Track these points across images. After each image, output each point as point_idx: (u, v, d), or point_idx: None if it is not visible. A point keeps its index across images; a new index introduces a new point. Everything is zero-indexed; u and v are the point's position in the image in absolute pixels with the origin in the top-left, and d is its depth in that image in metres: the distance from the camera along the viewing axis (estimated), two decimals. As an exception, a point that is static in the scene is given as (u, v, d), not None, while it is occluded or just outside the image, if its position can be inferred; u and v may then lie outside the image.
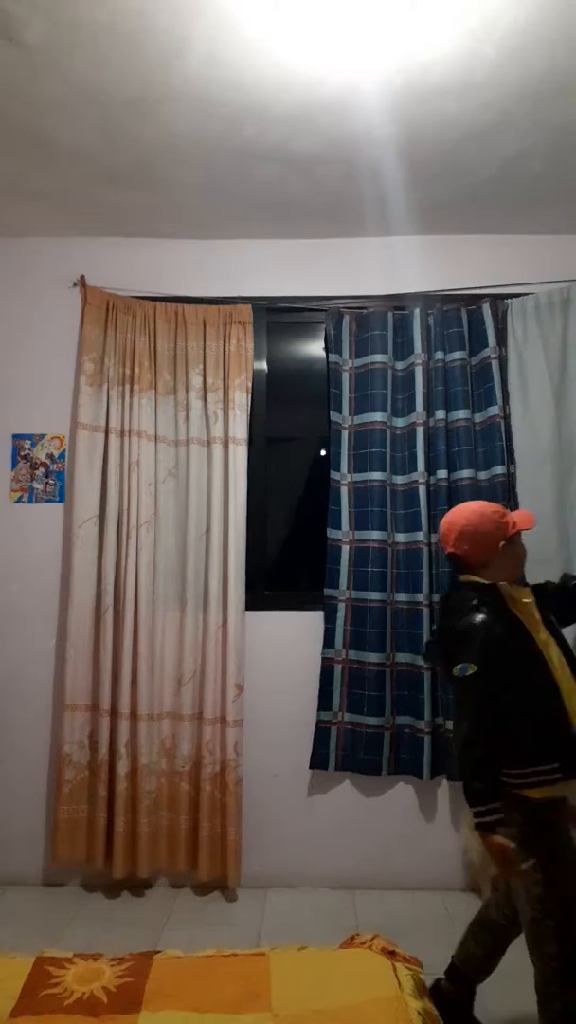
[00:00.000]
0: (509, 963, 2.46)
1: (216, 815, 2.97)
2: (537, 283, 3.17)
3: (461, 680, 1.78)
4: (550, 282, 3.16)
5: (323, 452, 3.30)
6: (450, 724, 2.95)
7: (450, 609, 1.97)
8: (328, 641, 3.09)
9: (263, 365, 3.31)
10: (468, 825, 2.90)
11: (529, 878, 1.71)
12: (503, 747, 1.77)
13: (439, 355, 3.13)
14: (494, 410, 3.09)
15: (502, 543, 1.92)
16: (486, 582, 1.91)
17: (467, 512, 2.00)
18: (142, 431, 3.10)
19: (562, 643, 1.93)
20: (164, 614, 3.09)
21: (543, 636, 1.89)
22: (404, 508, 3.11)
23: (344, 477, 3.16)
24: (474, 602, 1.88)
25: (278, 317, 3.34)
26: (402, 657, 3.06)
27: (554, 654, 1.87)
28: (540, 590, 2.01)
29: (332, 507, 3.14)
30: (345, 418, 3.19)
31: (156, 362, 3.16)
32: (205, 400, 3.15)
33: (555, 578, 3.10)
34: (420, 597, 3.02)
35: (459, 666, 1.79)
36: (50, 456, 3.22)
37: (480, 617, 1.83)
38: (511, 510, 3.01)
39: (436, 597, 3.02)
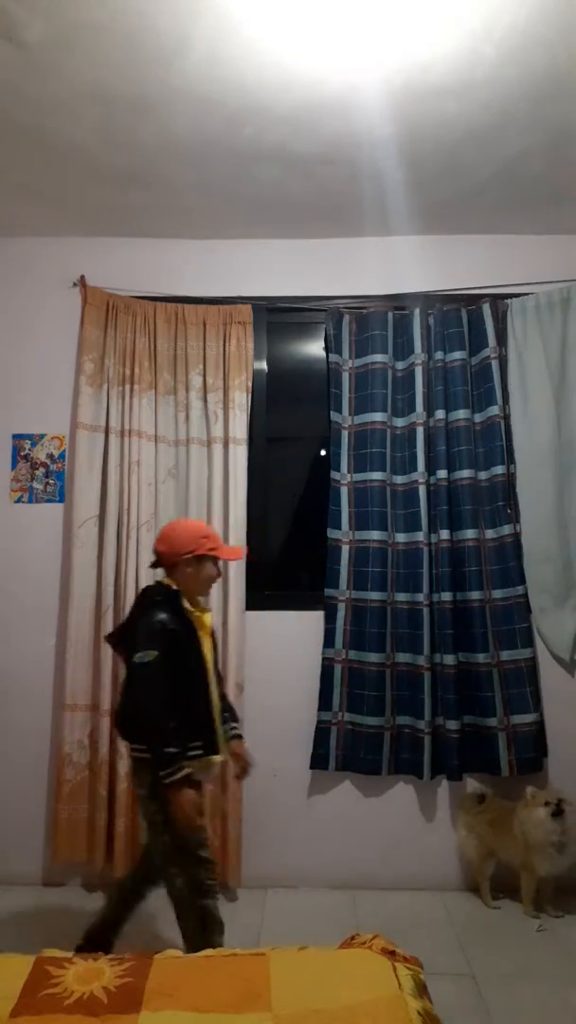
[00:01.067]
0: (512, 963, 2.47)
1: (216, 815, 2.97)
2: (537, 283, 3.17)
3: (142, 665, 2.08)
4: (550, 282, 3.16)
5: (323, 452, 3.30)
6: (450, 724, 2.95)
7: (140, 601, 2.31)
8: (328, 641, 3.09)
9: (263, 365, 3.31)
10: (464, 825, 2.91)
11: (202, 831, 2.14)
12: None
13: (439, 355, 3.13)
14: (494, 410, 3.09)
15: (187, 555, 2.23)
16: (174, 586, 2.24)
17: (181, 523, 2.40)
18: (142, 431, 3.10)
19: (215, 654, 2.35)
20: (164, 614, 3.09)
21: (206, 644, 2.27)
22: (404, 508, 3.11)
23: (344, 477, 3.16)
24: (158, 598, 2.22)
25: (278, 317, 3.33)
26: (402, 657, 3.06)
27: (209, 661, 2.27)
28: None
29: (332, 507, 3.14)
30: (345, 418, 3.19)
31: (156, 362, 3.16)
32: (205, 400, 3.15)
33: (557, 577, 3.11)
34: (420, 597, 3.02)
35: (139, 653, 2.09)
36: (50, 456, 3.22)
37: (162, 615, 2.16)
38: (507, 511, 3.04)
39: (437, 597, 3.02)
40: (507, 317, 3.16)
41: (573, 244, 3.25)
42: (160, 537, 2.32)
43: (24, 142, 2.58)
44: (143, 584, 3.01)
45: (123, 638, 2.27)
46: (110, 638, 2.46)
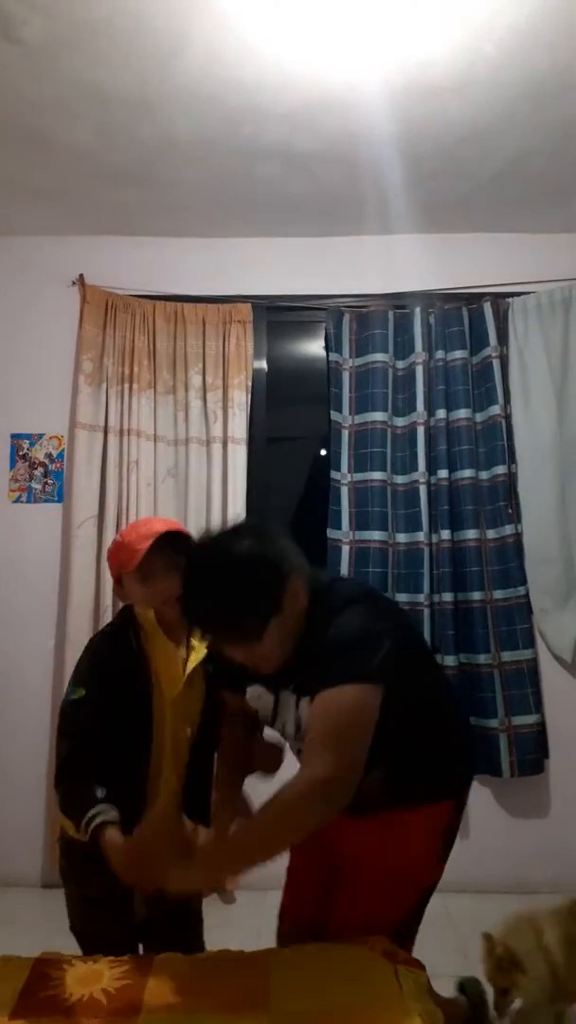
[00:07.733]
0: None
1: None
2: (538, 282, 3.17)
3: (66, 703, 1.61)
4: (551, 281, 3.16)
5: (323, 452, 3.30)
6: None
7: None
8: (328, 641, 3.08)
9: (263, 364, 3.30)
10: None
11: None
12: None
13: (440, 354, 3.13)
14: (495, 409, 3.08)
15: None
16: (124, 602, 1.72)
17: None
18: (141, 431, 3.09)
19: (205, 728, 1.70)
20: (164, 614, 3.08)
21: (176, 695, 1.64)
22: (405, 508, 3.11)
23: (345, 477, 3.15)
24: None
25: (278, 316, 3.33)
26: (402, 657, 3.05)
27: (173, 724, 1.64)
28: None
29: (332, 507, 3.13)
30: (345, 417, 3.19)
31: (155, 361, 3.16)
32: (204, 399, 3.14)
33: (558, 577, 3.09)
34: (420, 597, 3.01)
35: (69, 686, 1.63)
36: (49, 456, 3.21)
37: (96, 638, 1.74)
38: (509, 511, 3.03)
39: (437, 598, 3.01)
40: (508, 316, 3.16)
41: (574, 243, 3.24)
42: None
43: (23, 141, 2.58)
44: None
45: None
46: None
